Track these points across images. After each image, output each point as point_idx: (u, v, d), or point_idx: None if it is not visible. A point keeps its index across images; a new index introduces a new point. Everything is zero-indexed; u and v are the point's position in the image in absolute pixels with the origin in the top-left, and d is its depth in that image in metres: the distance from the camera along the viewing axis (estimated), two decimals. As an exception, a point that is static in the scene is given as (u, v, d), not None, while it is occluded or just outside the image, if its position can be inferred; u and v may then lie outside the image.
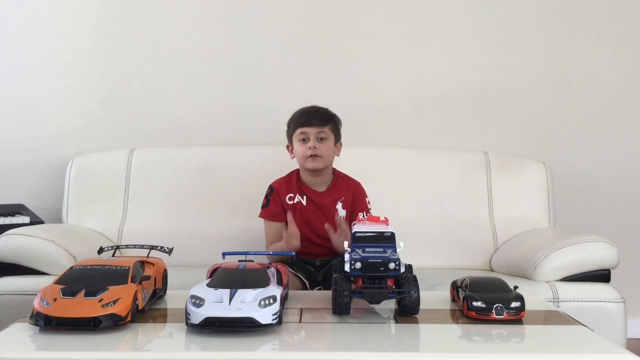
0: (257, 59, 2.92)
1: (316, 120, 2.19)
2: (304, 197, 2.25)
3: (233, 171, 2.68)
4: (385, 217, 1.59)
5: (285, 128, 2.28)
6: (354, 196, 2.26)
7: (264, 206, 2.27)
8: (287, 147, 2.29)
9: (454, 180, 2.69)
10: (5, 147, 2.89)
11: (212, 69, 2.93)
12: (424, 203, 2.65)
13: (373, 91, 2.93)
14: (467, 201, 2.67)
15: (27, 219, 2.55)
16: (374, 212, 2.20)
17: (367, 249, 1.45)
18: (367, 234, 1.48)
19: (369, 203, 2.27)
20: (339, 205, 2.24)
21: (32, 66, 2.90)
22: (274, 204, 2.26)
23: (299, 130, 2.20)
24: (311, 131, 2.18)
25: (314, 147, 2.17)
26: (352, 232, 1.51)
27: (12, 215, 2.56)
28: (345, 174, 2.33)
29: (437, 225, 2.62)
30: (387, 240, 1.47)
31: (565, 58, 2.94)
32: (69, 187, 2.70)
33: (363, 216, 2.15)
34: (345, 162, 2.37)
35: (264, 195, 2.29)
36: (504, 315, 1.43)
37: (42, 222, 2.57)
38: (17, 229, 2.29)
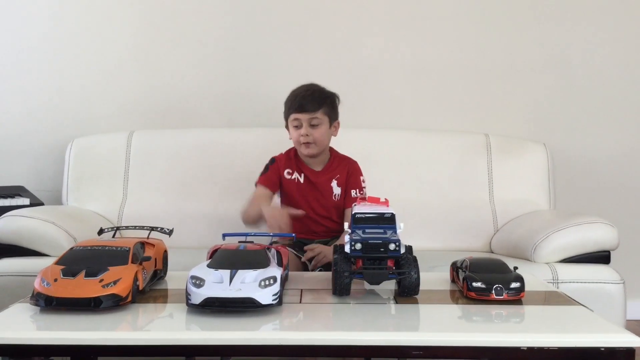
0: (256, 40, 2.90)
1: (309, 106, 2.17)
2: (302, 174, 2.25)
3: (232, 153, 2.68)
4: (385, 199, 1.59)
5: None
6: (348, 173, 2.26)
7: (262, 173, 2.27)
8: (286, 127, 2.28)
9: (455, 162, 2.69)
10: (5, 129, 2.88)
11: (211, 51, 2.92)
12: (425, 185, 2.65)
13: (373, 73, 2.92)
14: (468, 183, 2.66)
15: (27, 201, 2.55)
16: (373, 193, 2.17)
17: (367, 230, 1.45)
18: (367, 215, 1.48)
19: (363, 182, 2.27)
20: (334, 183, 2.25)
21: (30, 49, 2.88)
22: (272, 172, 2.26)
23: (292, 116, 2.19)
24: (303, 117, 2.17)
25: (307, 135, 2.16)
26: (352, 213, 1.50)
27: (12, 197, 2.56)
28: (343, 154, 2.33)
29: (438, 207, 2.62)
30: (387, 221, 1.47)
31: (566, 39, 2.93)
32: (69, 169, 2.70)
33: (356, 194, 2.21)
34: (346, 145, 2.36)
35: (264, 164, 2.29)
36: (504, 296, 1.43)
37: (42, 204, 2.57)
38: (17, 211, 2.29)
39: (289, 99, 2.22)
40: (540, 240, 2.19)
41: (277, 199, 2.30)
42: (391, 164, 2.66)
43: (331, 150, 2.31)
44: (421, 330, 1.33)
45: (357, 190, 2.23)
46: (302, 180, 2.26)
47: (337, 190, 2.24)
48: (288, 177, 2.26)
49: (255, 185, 2.27)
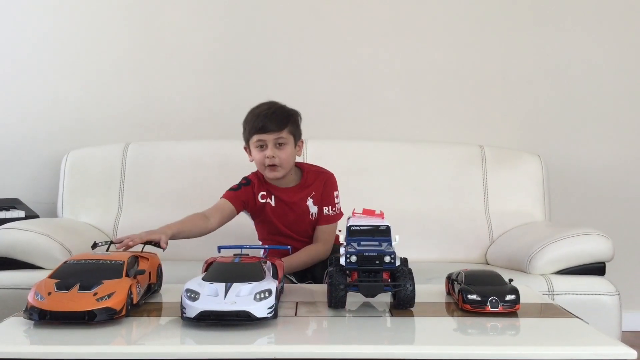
0: (251, 52, 2.91)
1: (273, 125, 2.02)
2: (272, 197, 2.10)
3: (228, 164, 2.67)
4: (380, 211, 1.59)
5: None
6: (323, 188, 2.12)
7: (233, 189, 2.13)
8: (245, 148, 2.14)
9: (450, 174, 2.69)
10: (1, 141, 2.87)
11: (206, 62, 2.92)
12: (420, 196, 2.65)
13: (368, 85, 2.92)
14: (463, 194, 2.67)
15: (22, 213, 2.54)
16: (368, 205, 2.18)
17: (362, 243, 1.45)
18: (362, 228, 1.48)
19: (337, 197, 2.13)
20: (310, 202, 2.10)
21: (26, 62, 2.89)
22: (245, 192, 2.10)
23: (255, 137, 2.04)
24: (268, 138, 2.02)
25: (272, 157, 2.02)
26: (348, 225, 1.50)
27: (7, 209, 2.55)
28: (316, 167, 2.19)
29: (433, 218, 2.62)
30: (382, 233, 1.48)
31: (561, 51, 2.94)
32: (64, 181, 2.69)
33: (327, 211, 2.07)
34: (341, 156, 2.37)
35: (238, 182, 2.16)
36: (499, 308, 1.43)
37: (37, 216, 2.57)
38: (12, 223, 2.28)
39: (250, 119, 2.08)
40: (535, 251, 2.19)
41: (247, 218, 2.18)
42: (386, 176, 2.66)
43: (301, 165, 2.18)
44: (417, 343, 1.33)
45: (330, 207, 2.09)
46: (273, 203, 2.10)
47: (313, 209, 2.10)
48: (262, 200, 2.11)
49: (220, 198, 2.13)
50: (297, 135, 2.10)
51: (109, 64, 2.90)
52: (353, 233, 1.48)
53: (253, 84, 2.90)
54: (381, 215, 1.58)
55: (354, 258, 1.42)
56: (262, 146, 2.04)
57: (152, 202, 2.64)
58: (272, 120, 2.03)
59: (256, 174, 2.16)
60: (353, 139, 2.67)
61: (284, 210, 2.11)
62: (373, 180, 2.57)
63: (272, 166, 2.04)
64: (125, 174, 2.67)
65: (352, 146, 2.64)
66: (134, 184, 2.67)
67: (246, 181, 2.15)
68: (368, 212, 1.60)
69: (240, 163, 2.66)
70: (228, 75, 2.91)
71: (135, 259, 1.53)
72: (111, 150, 2.73)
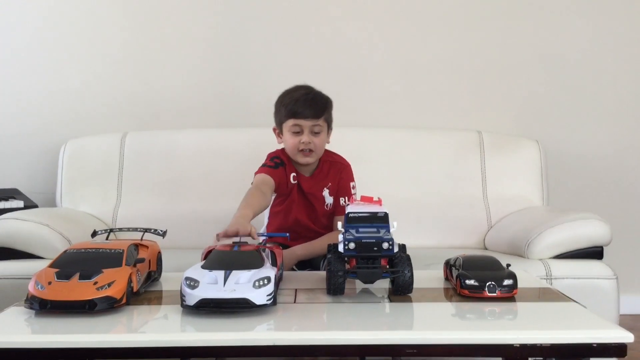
0: (248, 40, 2.90)
1: (312, 112, 2.00)
2: (296, 181, 2.10)
3: (226, 153, 2.68)
4: (378, 198, 1.60)
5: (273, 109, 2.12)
6: (339, 180, 2.12)
7: (270, 166, 2.06)
8: (274, 130, 2.12)
9: (448, 160, 2.70)
10: (-2, 132, 2.88)
11: (203, 51, 2.92)
12: (418, 183, 2.65)
13: (365, 72, 2.92)
14: (461, 180, 2.67)
15: (21, 203, 2.55)
16: (366, 192, 2.19)
17: (360, 229, 1.46)
18: (360, 215, 1.49)
19: (353, 188, 2.14)
20: (326, 192, 2.10)
21: (24, 52, 2.88)
22: (280, 173, 2.05)
23: (291, 122, 2.01)
24: (305, 124, 2.00)
25: (308, 142, 2.01)
26: (346, 212, 1.51)
27: (6, 199, 2.56)
28: (332, 155, 2.18)
29: (431, 204, 2.63)
30: (380, 220, 1.48)
31: (559, 36, 2.94)
32: (63, 171, 2.69)
33: (344, 202, 2.04)
34: (339, 143, 2.35)
35: (271, 158, 2.10)
36: (497, 293, 1.44)
37: (36, 206, 2.57)
38: (11, 214, 2.29)
39: (287, 102, 2.04)
40: (533, 236, 2.20)
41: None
42: (384, 163, 2.67)
43: None
44: (415, 328, 1.34)
45: (347, 197, 2.06)
46: (296, 187, 2.09)
47: (329, 199, 2.10)
48: (294, 182, 2.08)
49: (255, 174, 2.06)
50: (330, 123, 2.10)
51: (106, 53, 2.90)
52: (351, 220, 1.48)
53: (250, 73, 2.90)
54: (379, 202, 1.58)
55: (352, 245, 1.42)
56: (297, 132, 2.02)
57: (150, 191, 2.65)
58: (311, 107, 2.01)
59: (284, 154, 2.11)
60: (350, 126, 2.66)
61: (301, 197, 2.10)
62: (371, 167, 2.57)
63: (307, 151, 2.03)
64: (124, 163, 2.68)
65: (350, 133, 2.63)
66: (133, 172, 2.67)
67: (280, 161, 2.09)
68: (366, 199, 1.60)
69: (238, 151, 2.67)
70: (226, 64, 2.91)
71: (135, 247, 1.54)
72: (109, 139, 2.73)
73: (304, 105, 2.01)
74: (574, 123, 2.95)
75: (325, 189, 2.11)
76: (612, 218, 2.28)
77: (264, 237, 1.77)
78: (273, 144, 2.39)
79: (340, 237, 1.47)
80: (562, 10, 2.93)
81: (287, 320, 1.34)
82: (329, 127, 2.11)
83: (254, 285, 1.32)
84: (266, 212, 2.16)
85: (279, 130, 2.11)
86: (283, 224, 2.12)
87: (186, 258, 1.74)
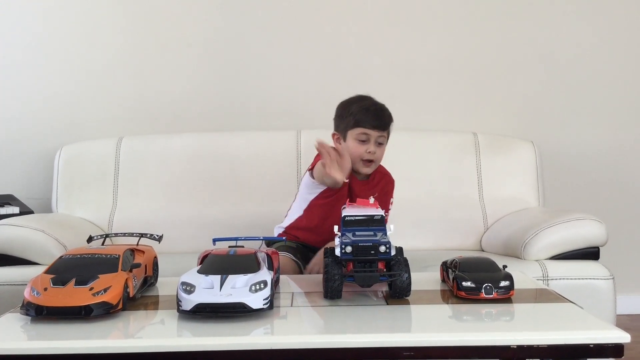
0: (245, 44, 2.90)
1: (380, 123, 2.05)
2: (349, 180, 2.05)
3: (222, 157, 2.68)
4: (374, 200, 1.60)
5: (335, 112, 2.12)
6: (383, 192, 2.15)
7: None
8: (333, 135, 2.13)
9: (444, 162, 2.70)
10: (-7, 138, 2.87)
11: (199, 55, 2.92)
12: (414, 185, 2.65)
13: (361, 74, 2.92)
14: (457, 182, 2.68)
15: (16, 209, 2.54)
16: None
17: (357, 233, 1.45)
18: (357, 218, 1.48)
19: (391, 204, 2.18)
20: (371, 200, 2.10)
21: (19, 57, 2.88)
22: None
23: (359, 130, 2.04)
24: (373, 134, 2.04)
25: (374, 152, 2.05)
26: (342, 216, 1.51)
27: (2, 205, 2.55)
28: (383, 167, 2.21)
29: (428, 206, 2.63)
30: (377, 223, 1.47)
31: (553, 37, 2.95)
32: (58, 177, 2.69)
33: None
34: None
35: None
36: (493, 295, 1.44)
37: (31, 212, 2.57)
38: (7, 220, 2.28)
39: (356, 111, 2.06)
40: (529, 237, 2.21)
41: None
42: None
43: None
44: (412, 331, 1.34)
45: (384, 211, 2.07)
46: (347, 187, 2.07)
47: None
48: (346, 181, 2.03)
49: (310, 169, 2.08)
50: (389, 136, 2.14)
51: (101, 58, 2.90)
52: (347, 223, 1.48)
53: (247, 77, 2.91)
54: (375, 204, 1.58)
55: (349, 248, 1.41)
56: (364, 140, 2.05)
57: (146, 196, 2.65)
58: (381, 118, 2.06)
59: None
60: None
61: (350, 199, 2.06)
62: (367, 170, 2.57)
63: (370, 161, 2.06)
64: (120, 168, 2.67)
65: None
66: (128, 177, 2.67)
67: None
68: (362, 202, 1.60)
69: (234, 155, 2.67)
70: (222, 68, 2.91)
71: (131, 252, 1.53)
72: (104, 144, 2.73)
73: (374, 116, 2.06)
74: (569, 124, 2.96)
75: (371, 197, 2.09)
76: (608, 218, 2.29)
77: (262, 239, 1.76)
78: (268, 147, 2.39)
79: (337, 240, 1.46)
80: (556, 12, 2.94)
81: (284, 324, 1.34)
82: (387, 140, 2.14)
83: (250, 290, 1.32)
84: (294, 205, 2.16)
85: (339, 137, 2.11)
86: (322, 216, 2.07)
87: (182, 262, 1.73)
